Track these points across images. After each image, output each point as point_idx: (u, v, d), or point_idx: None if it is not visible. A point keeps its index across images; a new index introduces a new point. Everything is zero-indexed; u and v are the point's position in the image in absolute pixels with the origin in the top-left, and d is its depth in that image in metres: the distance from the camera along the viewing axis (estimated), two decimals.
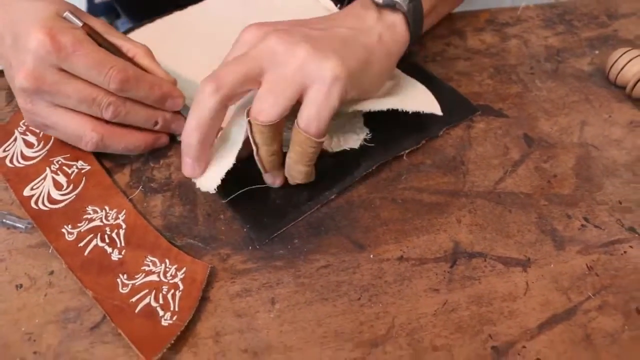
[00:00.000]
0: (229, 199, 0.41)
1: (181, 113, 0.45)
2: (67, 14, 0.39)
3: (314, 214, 0.40)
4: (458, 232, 0.39)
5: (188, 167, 0.39)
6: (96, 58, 0.38)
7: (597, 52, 0.52)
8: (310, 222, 0.40)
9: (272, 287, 0.37)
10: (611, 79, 0.48)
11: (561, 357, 0.33)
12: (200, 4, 0.56)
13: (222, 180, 0.38)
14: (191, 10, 0.55)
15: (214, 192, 0.39)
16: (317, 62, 0.36)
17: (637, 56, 0.46)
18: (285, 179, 0.41)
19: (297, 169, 0.39)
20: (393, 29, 0.43)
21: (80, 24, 0.40)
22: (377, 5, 0.43)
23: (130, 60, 0.42)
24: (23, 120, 0.47)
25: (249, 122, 0.37)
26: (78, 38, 0.38)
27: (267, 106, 0.36)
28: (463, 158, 0.44)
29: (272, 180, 0.41)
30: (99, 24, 0.42)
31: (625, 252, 0.38)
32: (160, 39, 0.49)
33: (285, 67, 0.37)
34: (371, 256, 0.38)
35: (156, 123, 0.43)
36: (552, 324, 0.34)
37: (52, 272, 0.38)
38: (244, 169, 0.40)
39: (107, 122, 0.41)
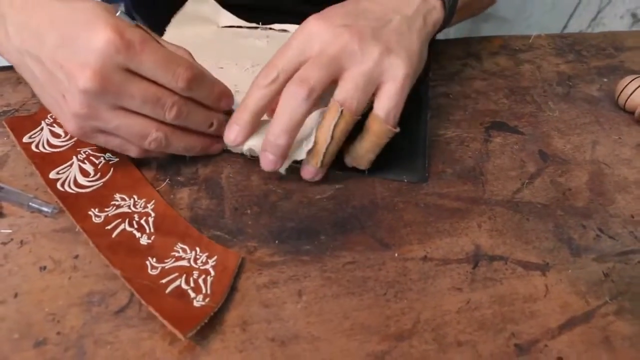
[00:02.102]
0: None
1: (228, 114, 0.44)
2: (120, 13, 0.38)
3: (340, 213, 0.41)
4: (479, 237, 0.40)
5: (271, 163, 0.41)
6: (164, 56, 0.38)
7: (605, 80, 0.54)
8: (335, 221, 0.41)
9: (299, 280, 0.37)
10: (620, 104, 0.50)
11: (582, 357, 0.34)
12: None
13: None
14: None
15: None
16: (390, 60, 0.40)
17: None
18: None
19: (367, 157, 0.42)
20: (433, 12, 0.45)
21: (135, 23, 0.38)
22: None
23: None
24: (51, 113, 0.47)
25: (341, 112, 0.39)
26: (143, 36, 0.37)
27: (356, 100, 0.39)
28: (482, 169, 0.45)
29: (314, 174, 0.42)
30: (142, 26, 0.41)
31: (639, 261, 0.39)
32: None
33: (363, 65, 0.39)
34: (396, 255, 0.39)
35: (212, 125, 0.42)
36: (571, 325, 0.35)
37: (76, 256, 0.38)
38: None
39: (167, 123, 0.40)
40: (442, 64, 0.55)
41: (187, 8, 0.58)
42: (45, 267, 0.37)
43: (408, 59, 0.41)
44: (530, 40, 0.59)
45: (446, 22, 0.47)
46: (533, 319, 0.36)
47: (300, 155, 0.41)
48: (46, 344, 0.33)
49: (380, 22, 0.42)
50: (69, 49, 0.36)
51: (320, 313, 0.35)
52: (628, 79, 0.49)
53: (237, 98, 0.50)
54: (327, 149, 0.40)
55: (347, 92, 0.39)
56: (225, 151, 0.45)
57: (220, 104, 0.43)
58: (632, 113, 0.50)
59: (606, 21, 1.38)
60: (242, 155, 0.45)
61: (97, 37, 0.35)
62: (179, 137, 0.41)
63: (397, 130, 0.41)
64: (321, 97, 0.40)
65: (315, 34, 0.40)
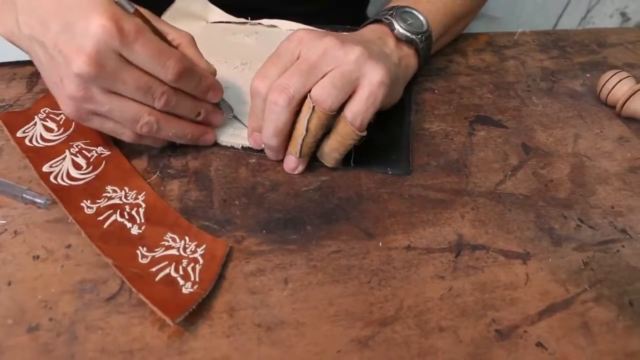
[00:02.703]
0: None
1: (218, 105, 0.47)
2: (119, 0, 0.39)
3: (326, 204, 0.42)
4: (462, 227, 0.41)
5: (272, 157, 0.45)
6: (156, 48, 0.39)
7: (588, 75, 0.55)
8: (321, 212, 0.42)
9: (285, 268, 0.38)
10: (602, 99, 0.51)
11: (560, 342, 0.35)
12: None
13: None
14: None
15: None
16: (371, 63, 0.41)
17: (626, 77, 0.50)
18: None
19: (332, 156, 0.44)
20: (407, 59, 0.49)
21: (132, 10, 0.40)
22: (396, 37, 0.48)
23: (176, 49, 0.43)
24: (45, 108, 0.48)
25: (313, 107, 0.40)
26: (139, 25, 0.38)
27: (331, 97, 0.40)
28: (466, 161, 0.46)
29: (294, 165, 0.44)
30: (146, 11, 0.42)
31: (618, 250, 0.40)
32: None
33: (343, 65, 0.41)
34: (380, 244, 0.40)
35: (199, 114, 0.44)
36: (551, 312, 0.36)
37: (69, 246, 0.39)
38: None
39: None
40: (429, 60, 0.56)
41: (177, 4, 0.59)
42: (38, 256, 0.38)
43: (387, 68, 0.42)
44: (515, 36, 0.60)
45: (421, 66, 0.51)
46: (513, 305, 0.37)
47: None
48: (39, 330, 0.34)
49: (362, 42, 0.44)
50: (69, 34, 0.38)
51: (306, 300, 0.36)
52: (609, 73, 0.51)
53: (228, 94, 0.51)
54: (303, 140, 0.42)
55: (322, 89, 0.40)
56: (214, 145, 0.46)
57: (208, 96, 0.45)
58: (613, 107, 0.51)
59: (596, 20, 1.39)
60: (231, 148, 0.46)
61: (94, 23, 0.37)
62: (169, 123, 0.43)
63: (364, 134, 0.42)
64: None
65: (304, 39, 0.42)
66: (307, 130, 0.41)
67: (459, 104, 0.52)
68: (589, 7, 1.38)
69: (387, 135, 0.47)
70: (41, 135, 0.46)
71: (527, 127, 0.49)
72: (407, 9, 0.49)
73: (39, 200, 0.41)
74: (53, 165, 0.43)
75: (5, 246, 0.38)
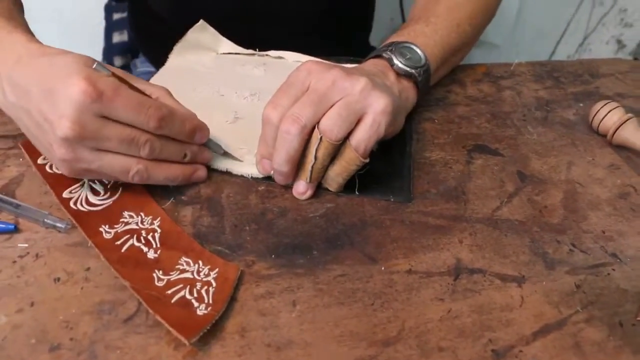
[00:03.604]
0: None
1: (206, 145, 0.49)
2: (96, 65, 0.41)
3: (331, 230, 0.45)
4: (460, 251, 0.43)
5: (281, 181, 0.47)
6: (134, 101, 0.41)
7: (581, 104, 0.58)
8: (327, 237, 0.44)
9: (294, 291, 0.40)
10: (594, 127, 0.54)
11: None
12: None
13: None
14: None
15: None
16: (375, 93, 0.44)
17: (616, 107, 0.52)
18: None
19: (336, 180, 0.46)
20: (407, 91, 0.51)
21: (109, 73, 0.42)
22: (396, 72, 0.51)
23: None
24: None
25: (321, 138, 0.43)
26: (115, 85, 0.41)
27: (337, 128, 0.43)
28: (464, 189, 0.49)
29: (304, 189, 0.47)
30: (121, 72, 0.44)
31: (608, 274, 0.42)
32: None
33: (349, 96, 0.43)
34: (382, 268, 0.42)
35: (185, 155, 0.46)
36: (545, 332, 0.38)
37: (88, 269, 0.41)
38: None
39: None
40: (429, 90, 0.59)
41: (188, 36, 0.62)
42: (59, 279, 0.40)
43: (390, 98, 0.44)
44: (511, 67, 0.63)
45: (420, 99, 0.53)
46: (509, 326, 0.39)
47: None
48: (60, 349, 0.36)
49: (366, 73, 0.47)
50: (51, 101, 0.40)
51: (313, 321, 0.38)
52: (600, 104, 0.53)
53: (238, 124, 0.53)
54: (312, 167, 0.45)
55: (329, 120, 0.43)
56: (225, 173, 0.49)
57: (194, 138, 0.47)
58: (604, 136, 0.53)
59: (593, 47, 1.43)
60: (241, 176, 0.49)
61: (73, 89, 0.39)
62: (158, 169, 0.45)
63: (367, 160, 0.44)
64: None
65: (313, 70, 0.45)
66: (315, 158, 0.44)
67: (457, 133, 0.54)
68: (585, 34, 1.42)
69: (389, 165, 0.50)
70: None
71: (522, 155, 0.52)
72: (406, 44, 0.52)
73: (59, 225, 0.43)
74: (72, 192, 0.46)
75: (27, 269, 0.41)
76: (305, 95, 0.44)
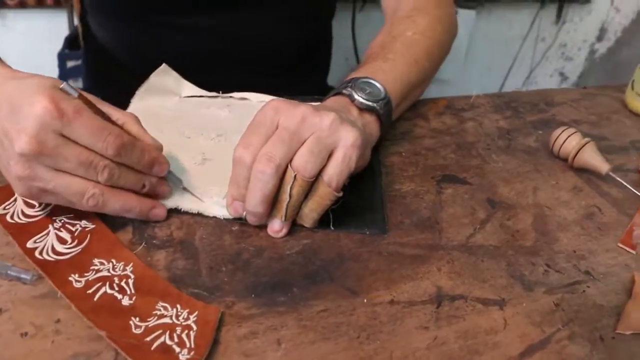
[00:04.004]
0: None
1: (165, 178, 0.48)
2: (63, 85, 0.42)
3: (309, 266, 0.44)
4: (439, 279, 0.44)
5: (254, 222, 0.46)
6: (95, 125, 0.41)
7: (540, 132, 0.61)
8: (306, 274, 0.43)
9: (277, 330, 0.39)
10: (555, 152, 0.56)
11: None
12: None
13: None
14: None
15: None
16: (344, 127, 0.44)
17: (574, 132, 0.55)
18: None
19: (310, 216, 0.46)
20: (370, 126, 0.52)
21: (76, 95, 0.42)
22: (357, 107, 0.51)
23: (121, 127, 0.45)
24: None
25: (295, 176, 0.43)
26: (78, 106, 0.41)
27: (310, 165, 0.43)
28: (437, 218, 0.49)
29: (279, 228, 0.46)
30: (90, 96, 0.44)
31: (584, 291, 0.43)
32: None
33: (319, 132, 0.44)
34: (365, 301, 0.42)
35: (144, 186, 0.46)
36: (531, 352, 0.39)
37: (58, 321, 0.39)
38: None
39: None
40: (393, 125, 0.61)
41: (151, 80, 0.62)
42: (26, 333, 0.38)
43: (358, 131, 0.45)
44: (471, 100, 0.65)
45: (383, 132, 0.54)
46: (495, 349, 0.39)
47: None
48: None
49: (332, 109, 0.47)
50: (14, 117, 0.40)
51: (300, 358, 0.37)
52: (559, 130, 0.56)
53: (207, 165, 0.53)
54: (287, 205, 0.44)
55: (302, 158, 0.43)
56: (197, 214, 0.48)
57: (152, 170, 0.46)
58: (565, 160, 0.56)
59: (539, 79, 1.52)
60: (213, 217, 0.48)
61: (35, 106, 0.39)
62: (115, 196, 0.44)
63: (340, 194, 0.45)
64: None
65: (279, 109, 0.45)
66: (290, 196, 0.44)
67: (425, 164, 0.55)
68: (531, 67, 1.50)
69: (361, 199, 0.50)
70: (22, 212, 0.46)
71: (490, 183, 0.53)
72: (365, 79, 0.53)
73: (24, 276, 0.41)
74: (37, 241, 0.44)
75: None
76: (276, 134, 0.44)
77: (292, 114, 0.44)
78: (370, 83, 0.53)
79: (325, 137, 0.44)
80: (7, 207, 0.46)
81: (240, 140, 0.45)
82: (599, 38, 1.52)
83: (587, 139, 0.54)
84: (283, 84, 0.70)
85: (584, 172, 0.55)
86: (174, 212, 0.48)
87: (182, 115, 0.60)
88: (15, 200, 0.47)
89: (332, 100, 0.52)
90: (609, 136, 0.60)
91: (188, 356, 0.36)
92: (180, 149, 0.54)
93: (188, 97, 0.64)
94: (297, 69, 0.80)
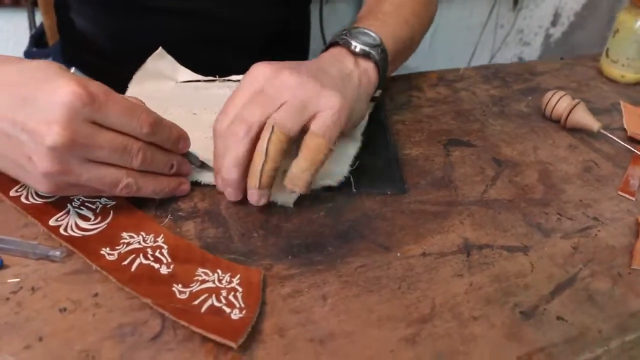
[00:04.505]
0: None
1: (185, 156, 0.47)
2: (74, 69, 0.40)
3: (339, 227, 0.45)
4: (464, 231, 0.45)
5: (232, 196, 0.45)
6: (127, 105, 0.39)
7: (529, 98, 0.64)
8: (337, 234, 0.44)
9: (320, 287, 0.40)
10: (547, 115, 0.59)
11: (575, 313, 0.39)
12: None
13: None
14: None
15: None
16: (326, 93, 0.43)
17: (564, 95, 0.58)
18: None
19: (303, 177, 0.42)
20: (367, 74, 0.51)
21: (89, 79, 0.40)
22: (354, 53, 0.50)
23: None
24: None
25: (273, 129, 0.41)
26: (105, 88, 0.38)
27: (291, 118, 0.42)
28: (450, 177, 0.51)
29: (257, 198, 0.44)
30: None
31: (596, 234, 0.46)
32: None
33: (300, 93, 0.43)
34: (398, 255, 0.43)
35: (172, 166, 0.45)
36: (560, 290, 0.41)
37: (96, 294, 0.38)
38: None
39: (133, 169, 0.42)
40: (391, 96, 0.62)
41: (148, 65, 0.61)
42: (65, 309, 0.37)
43: (342, 96, 0.44)
44: (460, 72, 0.68)
45: (382, 79, 0.53)
46: (528, 290, 0.41)
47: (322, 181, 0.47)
48: None
49: (318, 71, 0.46)
50: (30, 108, 0.36)
51: (347, 311, 0.38)
52: (550, 93, 0.59)
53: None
54: (262, 167, 0.42)
55: (281, 112, 0.42)
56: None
57: (179, 146, 0.45)
58: (557, 121, 0.59)
59: (498, 65, 1.59)
60: None
61: (61, 91, 0.36)
62: (147, 181, 0.43)
63: (334, 148, 0.43)
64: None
65: (260, 73, 0.44)
66: (266, 154, 0.41)
67: (429, 130, 0.57)
68: (492, 54, 1.57)
69: (378, 161, 0.51)
70: (36, 193, 0.45)
71: (492, 145, 0.56)
72: (360, 29, 0.52)
73: (54, 253, 0.39)
74: (59, 219, 0.42)
75: (25, 303, 0.37)
76: (251, 99, 0.43)
77: (271, 78, 0.43)
78: (366, 32, 0.52)
79: (307, 99, 0.42)
80: (18, 190, 0.45)
81: (218, 114, 0.45)
82: (554, 23, 1.61)
83: (577, 100, 0.58)
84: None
85: (576, 131, 0.59)
86: (193, 184, 0.48)
87: (185, 96, 0.60)
88: (24, 185, 0.45)
89: (327, 53, 0.51)
90: (591, 99, 0.64)
91: (240, 315, 0.36)
92: (190, 125, 0.53)
93: (184, 82, 0.63)
94: (279, 50, 0.80)
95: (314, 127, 0.43)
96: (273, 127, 0.41)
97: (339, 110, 0.43)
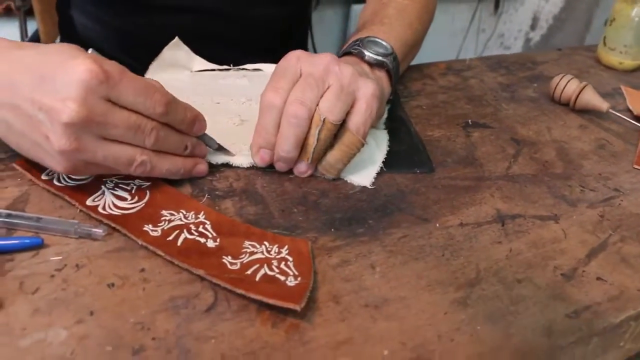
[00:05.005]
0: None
1: (201, 139, 0.47)
2: (91, 50, 0.39)
3: (375, 201, 0.45)
4: (496, 203, 0.47)
5: (282, 168, 0.47)
6: (142, 84, 0.39)
7: (535, 84, 0.66)
8: (375, 208, 0.45)
9: (367, 256, 0.40)
10: (556, 98, 0.62)
11: (613, 274, 0.41)
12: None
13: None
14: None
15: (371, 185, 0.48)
16: (362, 79, 0.46)
17: (572, 78, 0.61)
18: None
19: (336, 167, 0.47)
20: (381, 81, 0.53)
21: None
22: (368, 63, 0.53)
23: None
24: None
25: (324, 120, 0.43)
26: (120, 67, 0.39)
27: (337, 109, 0.44)
28: (474, 156, 0.52)
29: (306, 169, 0.47)
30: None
31: (619, 204, 0.48)
32: None
33: (341, 80, 0.45)
34: (437, 225, 0.44)
35: (186, 147, 0.44)
36: (595, 254, 0.42)
37: (143, 270, 0.37)
38: None
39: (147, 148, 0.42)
40: (405, 85, 0.64)
41: (164, 54, 0.61)
42: (113, 284, 0.36)
43: (375, 82, 0.47)
44: (466, 62, 0.70)
45: (394, 86, 0.55)
46: (564, 254, 0.42)
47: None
48: (145, 350, 0.32)
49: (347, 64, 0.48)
50: (48, 87, 0.37)
51: (397, 278, 0.38)
52: (558, 77, 0.61)
53: (245, 126, 0.53)
54: (314, 148, 0.45)
55: (329, 102, 0.44)
56: (254, 167, 0.47)
57: (194, 128, 0.45)
58: (566, 104, 0.61)
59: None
60: (271, 169, 0.47)
61: (78, 69, 0.36)
62: (161, 160, 0.43)
63: (366, 143, 0.46)
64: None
65: (301, 58, 0.46)
66: (318, 140, 0.44)
67: (446, 114, 0.59)
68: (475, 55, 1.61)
69: (403, 145, 0.52)
70: (67, 176, 0.44)
71: (508, 126, 0.58)
72: (370, 38, 0.54)
73: (97, 231, 0.39)
74: (96, 200, 0.42)
75: (71, 280, 0.36)
76: (302, 79, 0.45)
77: (314, 62, 0.45)
78: (376, 41, 0.54)
79: (347, 85, 0.45)
80: (50, 174, 0.44)
81: (267, 86, 0.45)
82: (533, 27, 1.67)
83: (585, 82, 0.60)
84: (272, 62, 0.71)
85: (584, 113, 0.61)
86: (226, 166, 0.48)
87: (201, 84, 0.60)
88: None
89: (343, 60, 0.54)
90: (593, 85, 0.67)
91: (296, 282, 0.36)
92: (215, 113, 0.53)
93: (199, 71, 0.63)
94: (277, 50, 0.81)
95: (351, 123, 0.45)
96: (324, 119, 0.43)
97: (373, 95, 0.45)
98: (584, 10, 1.69)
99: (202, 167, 0.46)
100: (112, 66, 0.38)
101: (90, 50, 0.39)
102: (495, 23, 1.58)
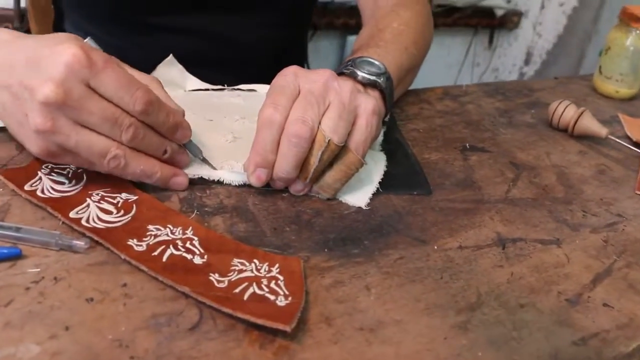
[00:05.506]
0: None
1: (186, 147, 0.46)
2: (88, 39, 0.40)
3: (371, 222, 0.44)
4: (495, 226, 0.45)
5: (278, 186, 0.45)
6: (124, 78, 0.39)
7: (532, 110, 0.66)
8: (371, 228, 0.43)
9: (362, 277, 0.38)
10: (554, 124, 0.61)
11: (620, 300, 0.39)
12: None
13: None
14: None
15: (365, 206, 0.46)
16: (361, 95, 0.45)
17: (570, 104, 0.60)
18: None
19: (334, 187, 0.45)
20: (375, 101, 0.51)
21: (101, 50, 0.40)
22: (361, 83, 0.51)
23: None
24: (47, 164, 0.44)
25: (328, 142, 0.42)
26: (108, 58, 0.39)
27: (341, 129, 0.43)
28: (472, 179, 0.51)
29: (301, 188, 0.45)
30: (113, 57, 0.42)
31: (623, 229, 0.47)
32: None
33: (342, 96, 0.44)
34: (435, 247, 0.42)
35: (165, 152, 0.43)
36: (600, 279, 0.41)
37: (125, 285, 0.35)
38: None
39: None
40: (402, 108, 0.63)
41: (158, 71, 0.60)
42: (92, 299, 0.34)
43: (374, 99, 0.46)
44: (463, 88, 0.69)
45: (389, 107, 0.54)
46: (568, 279, 0.40)
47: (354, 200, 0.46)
48: None
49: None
50: (34, 68, 0.38)
51: (393, 300, 0.36)
52: (556, 103, 0.61)
53: (238, 143, 0.51)
54: (315, 169, 0.43)
55: (332, 122, 0.42)
56: (246, 185, 0.46)
57: (176, 134, 0.44)
58: (564, 130, 0.61)
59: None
60: (264, 187, 0.45)
61: (64, 53, 0.37)
62: (137, 159, 0.42)
63: (366, 163, 0.45)
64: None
65: (298, 74, 0.45)
66: (319, 160, 0.43)
67: (444, 138, 0.58)
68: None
69: (399, 166, 0.51)
70: (52, 187, 0.42)
71: (506, 150, 0.57)
72: (363, 58, 0.53)
73: (78, 243, 0.37)
74: (79, 212, 0.40)
75: (48, 294, 0.34)
76: (302, 97, 0.43)
77: (313, 79, 0.44)
78: (369, 61, 0.53)
79: (348, 102, 0.44)
80: (33, 185, 0.42)
81: (265, 102, 0.44)
82: (526, 62, 1.69)
83: (583, 108, 0.59)
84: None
85: (583, 139, 0.60)
86: (217, 183, 0.46)
87: (195, 103, 0.58)
88: (40, 179, 0.43)
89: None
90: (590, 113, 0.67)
91: (287, 301, 0.34)
92: (209, 129, 0.52)
93: (193, 90, 0.62)
94: (271, 73, 0.81)
95: (352, 143, 0.44)
96: (329, 140, 0.42)
97: (373, 112, 0.45)
98: (576, 45, 1.72)
99: (181, 179, 0.44)
100: (99, 55, 0.39)
101: (87, 39, 0.39)
102: (490, 57, 1.60)
